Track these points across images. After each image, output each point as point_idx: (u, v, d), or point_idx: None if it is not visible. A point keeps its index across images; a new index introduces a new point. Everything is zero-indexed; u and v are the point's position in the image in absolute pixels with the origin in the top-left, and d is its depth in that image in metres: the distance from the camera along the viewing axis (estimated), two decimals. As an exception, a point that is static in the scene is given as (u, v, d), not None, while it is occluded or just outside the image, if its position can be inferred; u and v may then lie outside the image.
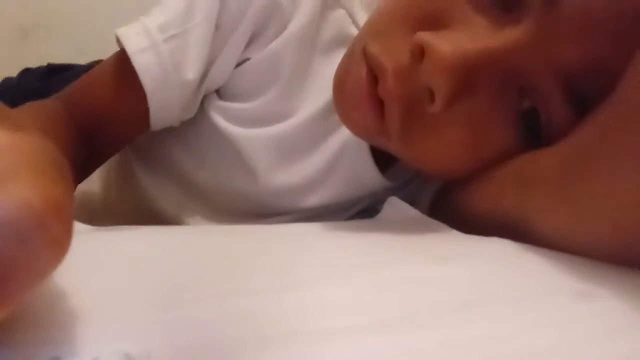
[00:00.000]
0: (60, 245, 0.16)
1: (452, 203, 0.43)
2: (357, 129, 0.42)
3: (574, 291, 0.25)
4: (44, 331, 0.19)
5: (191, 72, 0.46)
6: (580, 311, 0.23)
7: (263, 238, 0.36)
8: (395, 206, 0.44)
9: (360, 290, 0.25)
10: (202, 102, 0.50)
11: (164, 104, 0.46)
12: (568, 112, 0.34)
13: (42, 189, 0.15)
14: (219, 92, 0.50)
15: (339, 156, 0.49)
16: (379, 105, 0.37)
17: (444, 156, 0.38)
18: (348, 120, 0.41)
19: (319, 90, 0.49)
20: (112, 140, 0.50)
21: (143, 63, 0.45)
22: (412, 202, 0.44)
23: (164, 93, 0.46)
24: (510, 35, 0.34)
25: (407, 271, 0.27)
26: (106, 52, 0.50)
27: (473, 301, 0.24)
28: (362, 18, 0.49)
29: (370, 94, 0.37)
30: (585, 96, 0.33)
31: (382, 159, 0.49)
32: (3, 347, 0.18)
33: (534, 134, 0.36)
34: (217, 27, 0.46)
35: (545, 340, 0.21)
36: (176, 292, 0.23)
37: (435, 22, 0.36)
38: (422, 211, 0.42)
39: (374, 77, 0.37)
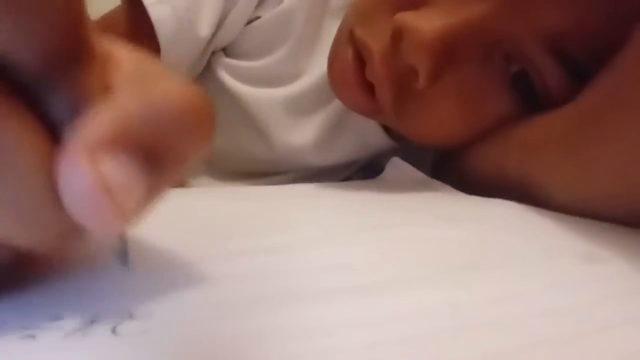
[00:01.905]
0: (210, 136, 0.17)
1: (454, 166, 0.42)
2: (353, 109, 0.42)
3: (580, 253, 0.25)
4: (45, 289, 0.19)
5: (204, 29, 0.46)
6: (586, 273, 0.23)
7: (268, 198, 0.36)
8: (398, 167, 0.44)
9: (363, 251, 0.25)
10: (209, 60, 0.50)
11: (175, 60, 0.46)
12: (562, 75, 0.34)
13: (190, 89, 0.16)
14: (226, 50, 0.50)
15: (343, 118, 0.49)
16: (369, 87, 0.38)
17: (442, 129, 0.39)
18: (343, 101, 0.42)
19: (327, 52, 0.48)
20: None
21: (159, 15, 0.44)
22: (415, 163, 0.44)
23: (177, 49, 0.45)
24: (485, 5, 0.33)
25: (410, 232, 0.27)
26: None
27: (479, 262, 0.23)
28: None
29: (358, 78, 0.38)
30: (577, 59, 0.33)
31: None
32: (4, 306, 0.18)
33: (530, 96, 0.36)
34: None
35: (552, 302, 0.21)
36: (179, 251, 0.23)
37: (415, 1, 0.36)
38: (425, 172, 0.42)
39: (362, 60, 0.38)
